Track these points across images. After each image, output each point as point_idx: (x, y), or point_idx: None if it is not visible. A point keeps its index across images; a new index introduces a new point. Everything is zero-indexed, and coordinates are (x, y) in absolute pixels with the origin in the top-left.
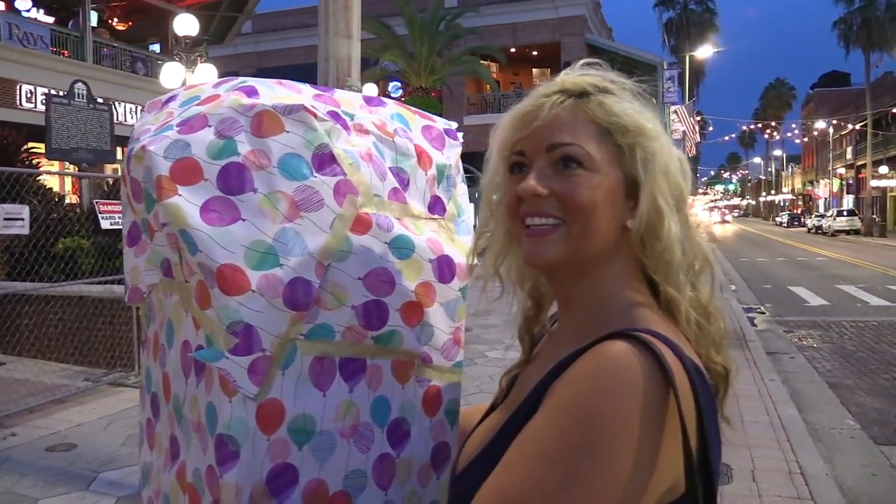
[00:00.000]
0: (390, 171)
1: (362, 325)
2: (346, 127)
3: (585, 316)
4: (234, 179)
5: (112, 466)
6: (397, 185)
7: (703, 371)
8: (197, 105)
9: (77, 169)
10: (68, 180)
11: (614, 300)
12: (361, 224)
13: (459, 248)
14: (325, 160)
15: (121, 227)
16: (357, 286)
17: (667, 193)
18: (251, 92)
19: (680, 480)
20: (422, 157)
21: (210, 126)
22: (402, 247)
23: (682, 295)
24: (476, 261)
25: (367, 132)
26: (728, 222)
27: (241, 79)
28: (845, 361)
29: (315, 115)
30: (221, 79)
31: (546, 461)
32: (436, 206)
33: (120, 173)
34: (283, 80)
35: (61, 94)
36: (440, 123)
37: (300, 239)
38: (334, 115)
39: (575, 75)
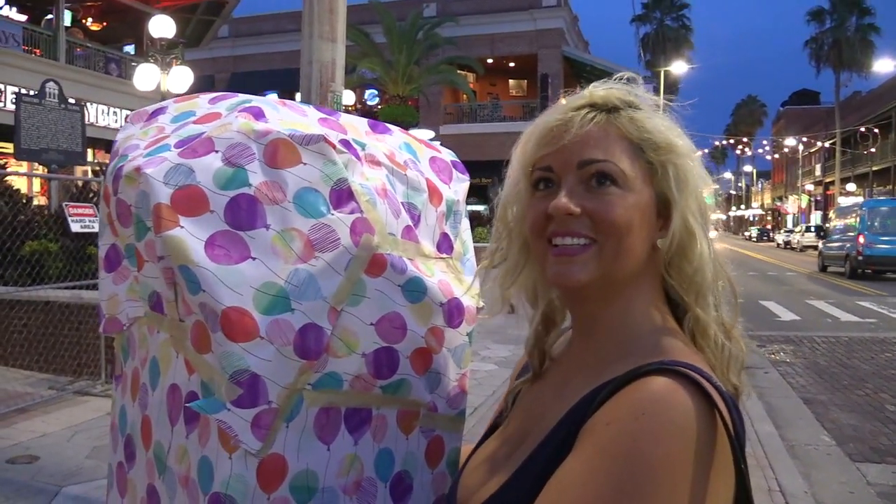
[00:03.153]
0: (403, 207)
1: (372, 374)
2: (358, 158)
3: (609, 342)
4: (244, 213)
5: (76, 480)
6: (410, 223)
7: (735, 401)
8: (195, 122)
9: (46, 170)
10: (36, 181)
11: (640, 325)
12: (376, 265)
13: (467, 289)
14: (343, 196)
15: (91, 230)
16: (369, 332)
17: (697, 213)
18: (258, 114)
19: None
20: (433, 193)
21: (217, 151)
22: (414, 290)
23: (709, 317)
24: (482, 303)
25: (379, 164)
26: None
27: (242, 97)
28: (818, 377)
29: (334, 147)
30: (218, 94)
31: None
32: (443, 244)
33: (103, 191)
34: (287, 101)
35: (32, 93)
36: (446, 155)
37: (314, 281)
38: (346, 145)
39: (604, 89)
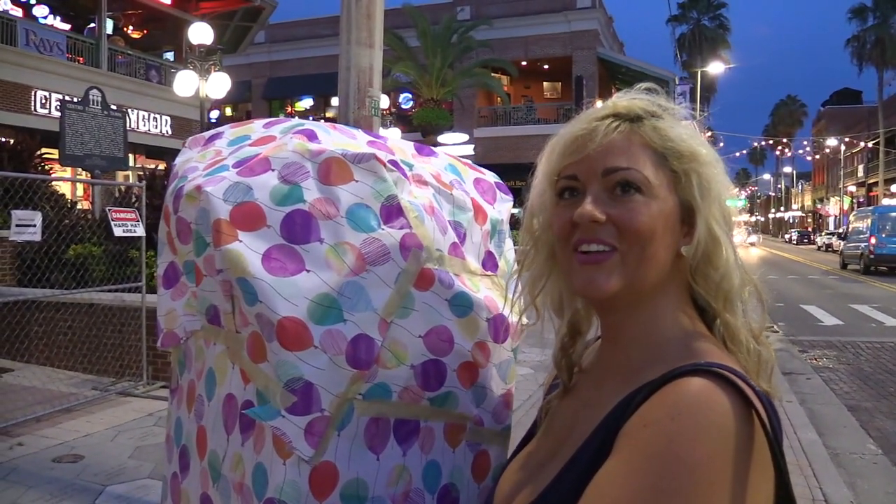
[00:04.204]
0: (450, 225)
1: (420, 386)
2: (406, 177)
3: (638, 348)
4: (299, 228)
5: (119, 480)
6: (456, 240)
7: (770, 399)
8: (250, 145)
9: (90, 176)
10: (79, 186)
11: (671, 330)
12: (424, 280)
13: (511, 305)
14: (392, 212)
15: (133, 234)
16: (417, 345)
17: (721, 221)
18: (311, 136)
19: None
20: (478, 212)
21: (273, 170)
22: (461, 304)
23: (739, 322)
24: (526, 320)
25: (426, 183)
26: (754, 244)
27: (296, 121)
28: (863, 383)
29: (384, 165)
30: (272, 119)
31: None
32: (489, 262)
33: (163, 211)
34: (337, 125)
35: (76, 100)
36: (489, 177)
37: (365, 293)
38: (395, 164)
39: (627, 99)
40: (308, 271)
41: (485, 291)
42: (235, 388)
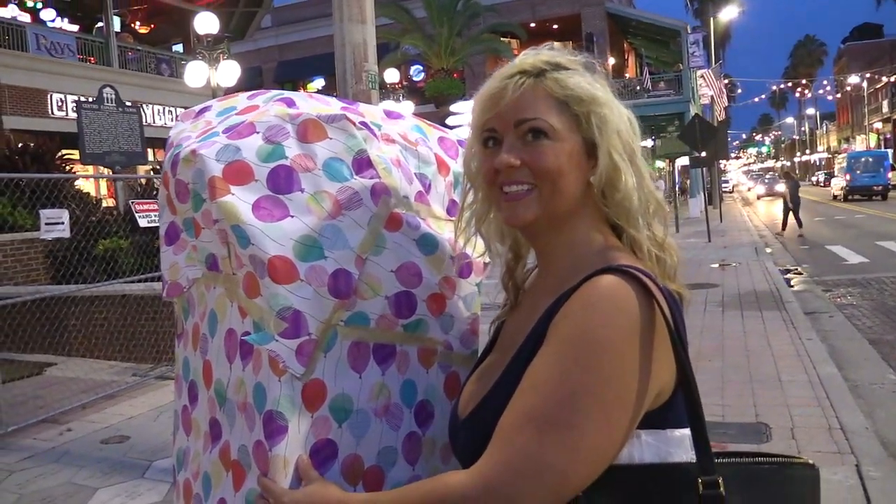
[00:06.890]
0: (415, 177)
1: (393, 314)
2: (375, 135)
3: (565, 263)
4: (282, 180)
5: (164, 455)
6: (422, 189)
7: (672, 294)
8: (237, 114)
9: (111, 172)
10: (103, 184)
11: (588, 245)
12: (394, 222)
13: (473, 247)
14: (363, 164)
15: (158, 223)
16: (390, 278)
17: (621, 150)
18: (290, 103)
19: (666, 388)
20: (441, 165)
21: (258, 132)
22: (427, 244)
23: (641, 235)
24: (489, 259)
25: (393, 141)
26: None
27: (276, 91)
28: (886, 317)
29: (354, 124)
30: (255, 91)
31: (561, 381)
32: (452, 209)
33: (161, 176)
34: (313, 94)
35: (91, 99)
36: (453, 136)
37: (342, 234)
38: (364, 125)
39: (532, 56)
40: (292, 216)
41: (449, 234)
42: (234, 322)
